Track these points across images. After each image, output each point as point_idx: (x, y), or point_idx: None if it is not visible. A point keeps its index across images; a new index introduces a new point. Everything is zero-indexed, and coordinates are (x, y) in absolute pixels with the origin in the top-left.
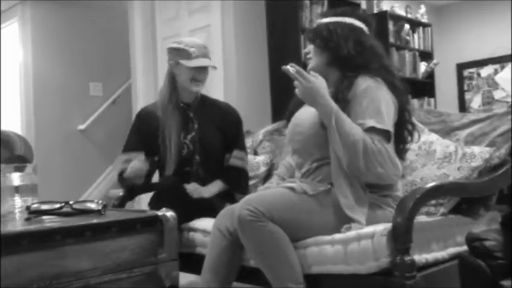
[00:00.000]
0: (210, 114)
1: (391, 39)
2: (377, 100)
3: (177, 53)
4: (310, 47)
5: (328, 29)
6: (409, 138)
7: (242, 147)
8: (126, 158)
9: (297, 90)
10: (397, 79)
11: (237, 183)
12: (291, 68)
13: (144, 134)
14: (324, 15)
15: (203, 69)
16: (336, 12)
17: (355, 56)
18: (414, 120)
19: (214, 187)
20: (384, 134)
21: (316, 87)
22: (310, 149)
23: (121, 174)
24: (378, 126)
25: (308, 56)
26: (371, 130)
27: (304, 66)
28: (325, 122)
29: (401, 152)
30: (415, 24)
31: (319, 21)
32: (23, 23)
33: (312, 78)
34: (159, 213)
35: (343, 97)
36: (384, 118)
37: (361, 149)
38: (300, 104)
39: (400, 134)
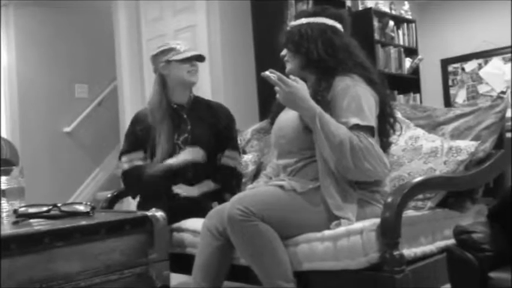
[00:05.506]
0: (203, 115)
1: (376, 36)
2: (357, 97)
3: (166, 53)
4: (286, 51)
5: (298, 32)
6: (391, 131)
7: (235, 147)
8: (128, 159)
9: (278, 96)
10: (374, 74)
11: (227, 182)
12: (271, 75)
13: (139, 136)
14: (297, 16)
15: (193, 61)
16: (308, 13)
17: (327, 58)
18: (396, 113)
19: (204, 187)
20: (368, 130)
21: (297, 92)
22: (295, 151)
23: (124, 174)
24: (362, 123)
25: (285, 60)
26: (355, 128)
27: None
28: (309, 125)
29: (384, 145)
30: (399, 21)
31: (292, 23)
32: (6, 26)
33: (293, 82)
34: (149, 213)
35: (322, 99)
36: (366, 114)
37: (348, 148)
38: (283, 105)
39: (383, 128)
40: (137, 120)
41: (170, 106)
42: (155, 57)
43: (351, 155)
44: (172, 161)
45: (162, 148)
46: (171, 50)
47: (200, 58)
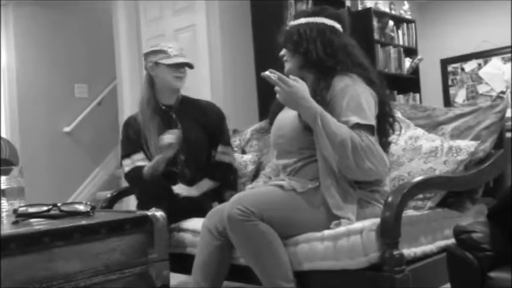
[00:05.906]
0: (192, 113)
1: (376, 36)
2: (356, 96)
3: (156, 54)
4: (285, 50)
5: (297, 32)
6: (391, 131)
7: (227, 143)
8: (130, 161)
9: (278, 96)
10: (373, 74)
11: (225, 178)
12: (271, 74)
13: (133, 139)
14: (296, 16)
15: (182, 67)
16: (307, 13)
17: (326, 58)
18: (395, 113)
19: (203, 186)
20: (368, 128)
21: (298, 91)
22: (294, 151)
23: (126, 176)
24: (362, 122)
25: (284, 59)
26: (356, 126)
27: None
28: (310, 125)
29: (384, 145)
30: (399, 21)
31: (291, 23)
32: (5, 26)
33: (293, 82)
34: (149, 213)
35: (321, 98)
36: (366, 113)
37: (350, 147)
38: (282, 105)
39: (382, 127)
40: (129, 124)
41: (159, 106)
42: (146, 56)
43: (353, 154)
44: (158, 158)
45: (154, 146)
46: (160, 52)
47: (188, 65)
